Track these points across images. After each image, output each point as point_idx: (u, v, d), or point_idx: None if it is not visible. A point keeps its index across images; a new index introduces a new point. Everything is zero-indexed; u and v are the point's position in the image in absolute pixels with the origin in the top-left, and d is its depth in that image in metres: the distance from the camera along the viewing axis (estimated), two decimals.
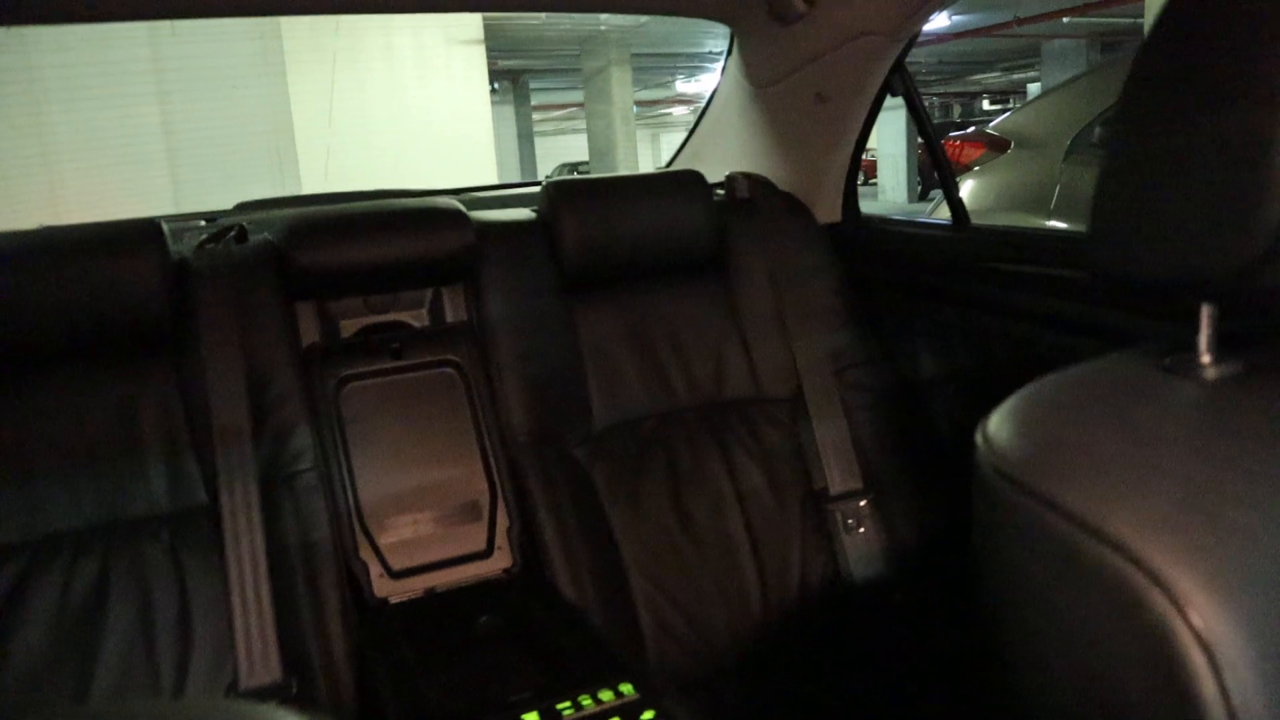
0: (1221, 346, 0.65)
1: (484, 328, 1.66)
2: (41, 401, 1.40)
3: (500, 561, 1.57)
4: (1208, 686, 0.48)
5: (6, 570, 1.31)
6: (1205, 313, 0.65)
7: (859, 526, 1.71)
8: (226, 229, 1.64)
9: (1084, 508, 0.54)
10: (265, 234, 1.66)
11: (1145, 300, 0.68)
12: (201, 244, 1.59)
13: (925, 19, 1.59)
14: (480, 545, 1.57)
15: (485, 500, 1.59)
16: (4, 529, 1.33)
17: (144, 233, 1.44)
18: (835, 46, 1.72)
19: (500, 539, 1.58)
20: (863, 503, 1.72)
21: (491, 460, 1.61)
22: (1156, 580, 0.50)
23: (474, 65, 7.96)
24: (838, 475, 1.73)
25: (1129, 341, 1.33)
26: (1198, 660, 0.48)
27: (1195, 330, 0.66)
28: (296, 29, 5.61)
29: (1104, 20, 12.95)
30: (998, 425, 0.65)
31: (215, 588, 1.38)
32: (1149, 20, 5.69)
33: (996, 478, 0.61)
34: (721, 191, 1.92)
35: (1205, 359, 0.65)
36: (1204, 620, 0.48)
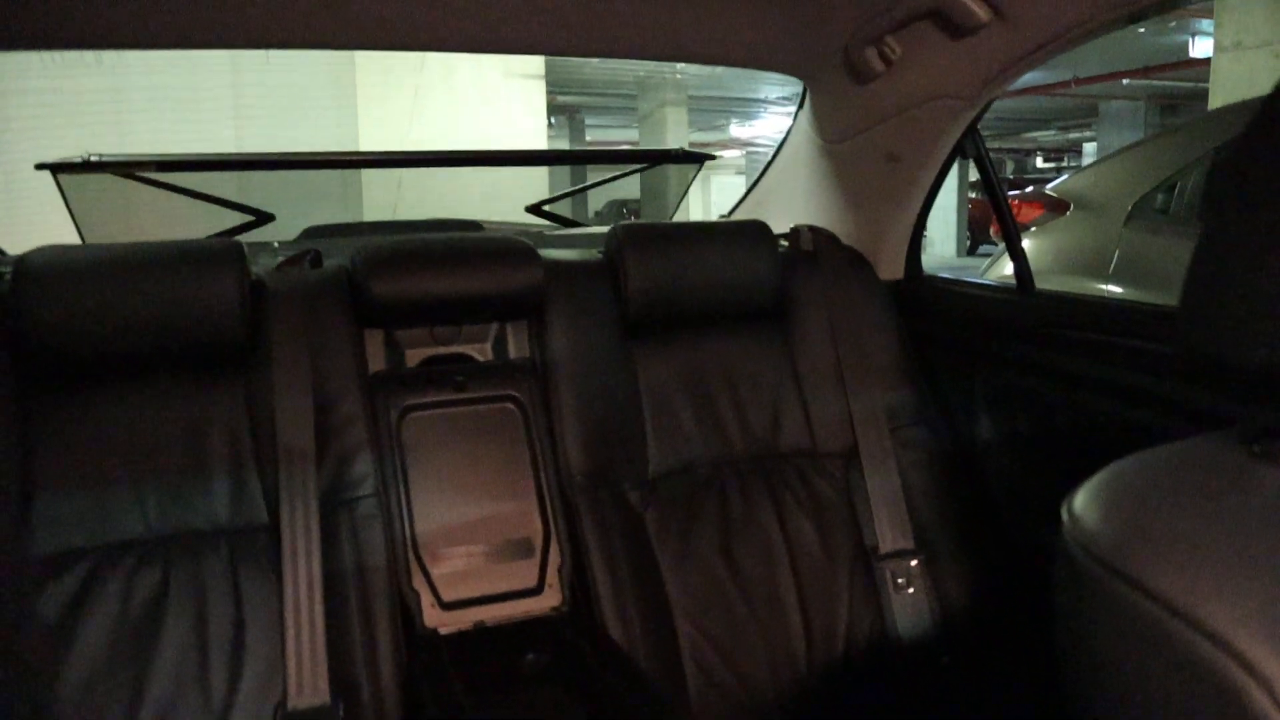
0: None
1: (546, 365, 1.69)
2: (116, 410, 1.44)
3: (550, 599, 1.58)
4: None
5: (73, 573, 1.34)
6: None
7: (908, 586, 1.70)
8: (303, 253, 1.68)
9: (1177, 594, 0.54)
10: (339, 260, 1.70)
11: (1235, 382, 0.67)
12: (279, 266, 1.64)
13: (1005, 85, 1.60)
14: (531, 582, 1.58)
15: (538, 537, 1.60)
16: (73, 532, 1.36)
17: (226, 253, 1.48)
18: (910, 107, 1.73)
19: (551, 577, 1.59)
20: (913, 563, 1.71)
21: (546, 498, 1.62)
22: (1254, 674, 0.49)
23: (533, 100, 8.09)
24: (889, 533, 1.72)
25: (1199, 418, 1.32)
26: None
27: None
28: (370, 62, 5.78)
29: (1164, 83, 12.86)
30: (1084, 504, 0.65)
31: (270, 606, 1.40)
32: (1214, 84, 5.64)
33: (1084, 557, 0.61)
34: (785, 243, 1.93)
35: None
36: None
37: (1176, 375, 1.37)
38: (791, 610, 1.66)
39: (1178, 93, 14.08)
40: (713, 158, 2.16)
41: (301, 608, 1.38)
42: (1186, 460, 0.69)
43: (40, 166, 1.89)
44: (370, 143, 6.27)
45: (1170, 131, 4.03)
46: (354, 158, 2.16)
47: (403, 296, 1.61)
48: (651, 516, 1.64)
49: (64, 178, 1.95)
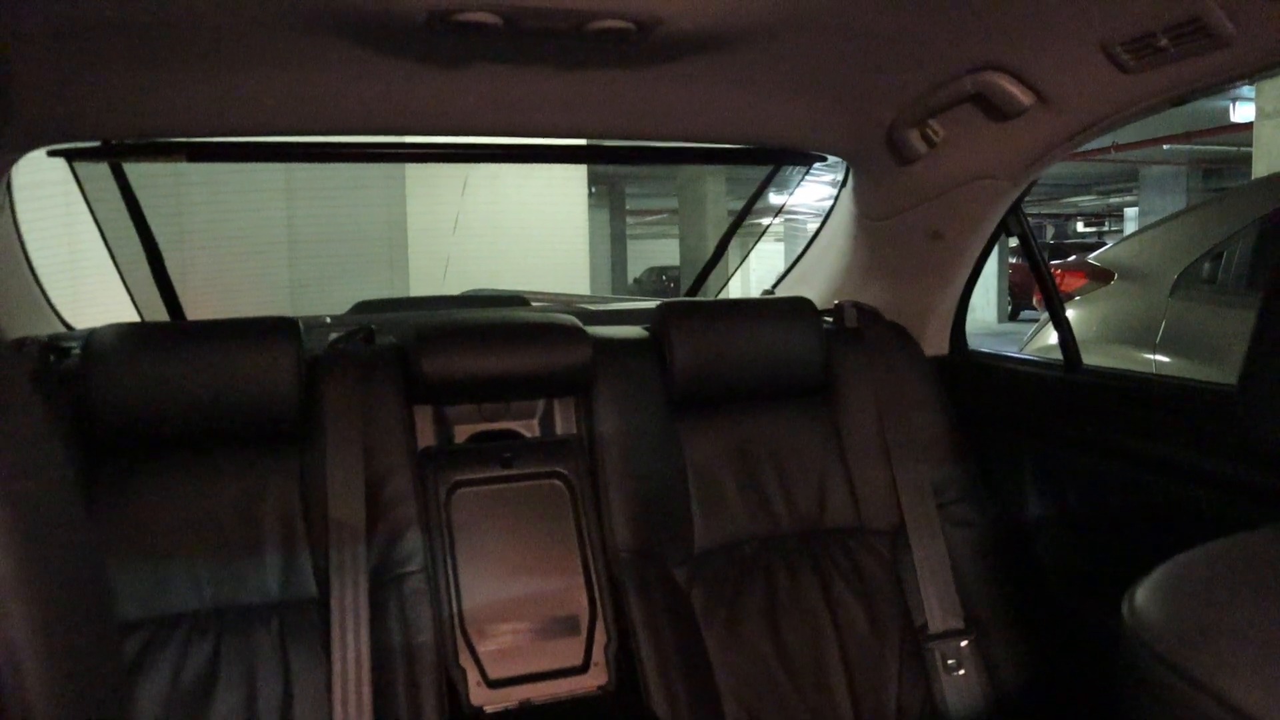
0: None
1: (593, 442, 1.70)
2: (174, 484, 1.48)
3: (596, 678, 1.57)
4: None
5: (128, 645, 1.36)
6: None
7: (959, 668, 1.66)
8: (356, 330, 1.72)
9: (1247, 700, 0.54)
10: (391, 337, 1.74)
11: None
12: (333, 343, 1.67)
13: (1047, 166, 1.62)
14: (577, 660, 1.57)
15: (584, 615, 1.60)
16: (128, 605, 1.39)
17: (281, 330, 1.53)
18: (953, 187, 1.75)
19: (597, 655, 1.58)
20: (964, 643, 1.67)
21: (593, 575, 1.62)
22: None
23: (575, 173, 8.24)
24: (938, 612, 1.69)
25: (1255, 496, 1.30)
26: None
27: None
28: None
29: (1205, 148, 12.79)
30: (1146, 601, 0.64)
31: (318, 681, 1.41)
32: (1258, 151, 5.60)
33: (1147, 657, 0.61)
34: (829, 319, 1.94)
35: None
36: None
37: (1229, 454, 1.35)
38: (840, 692, 1.63)
39: (1219, 157, 13.99)
40: (823, 158, 2.07)
41: (349, 683, 1.39)
42: (1250, 555, 0.68)
43: (54, 153, 1.71)
44: (417, 219, 6.43)
45: (1214, 199, 4.01)
46: (403, 150, 2.00)
47: (453, 374, 1.64)
48: (698, 595, 1.63)
49: (80, 165, 1.77)
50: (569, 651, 1.58)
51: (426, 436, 1.70)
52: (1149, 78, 1.31)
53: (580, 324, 1.73)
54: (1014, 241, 1.82)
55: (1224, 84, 1.27)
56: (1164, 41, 1.21)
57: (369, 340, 1.73)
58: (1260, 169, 6.46)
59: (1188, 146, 12.46)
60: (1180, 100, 1.34)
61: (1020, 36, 1.36)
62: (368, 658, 1.41)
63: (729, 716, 1.57)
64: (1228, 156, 13.59)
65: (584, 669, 1.57)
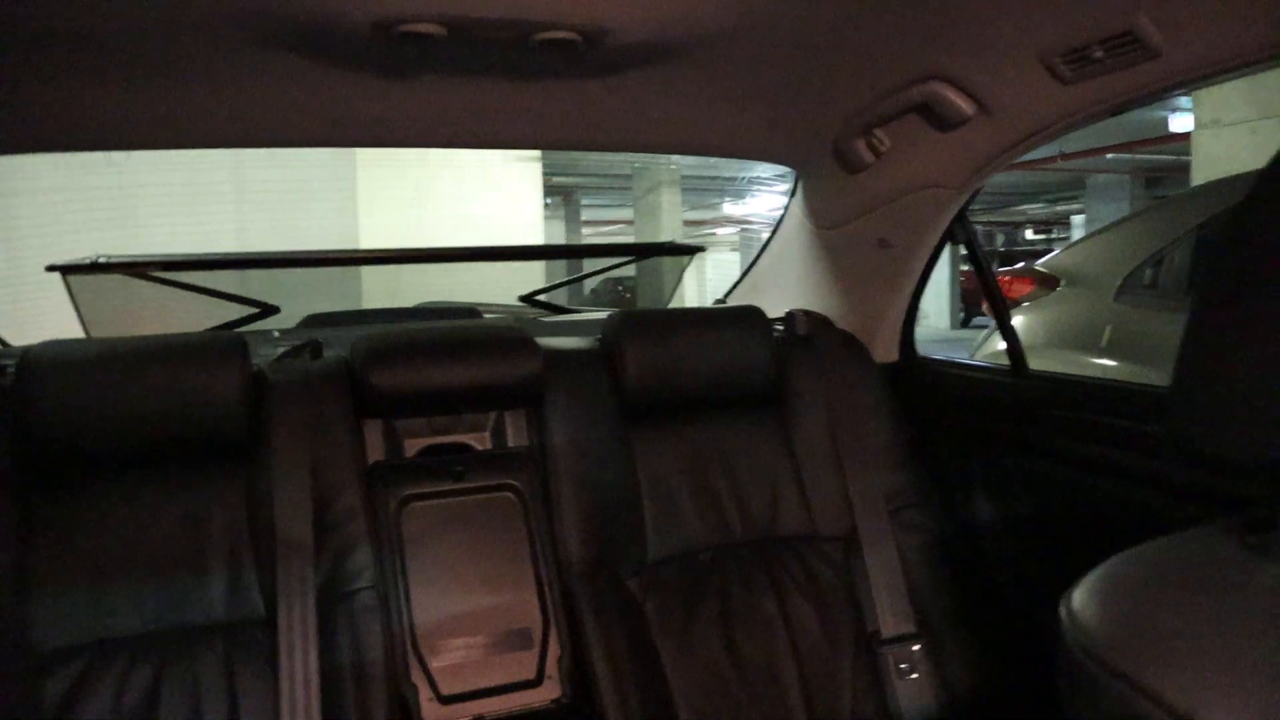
0: None
1: (545, 453, 1.69)
2: (115, 504, 1.44)
3: (549, 692, 1.56)
4: None
5: (63, 673, 1.32)
6: None
7: (912, 672, 1.67)
8: (304, 344, 1.70)
9: (1176, 697, 0.55)
10: (338, 351, 1.72)
11: (1225, 474, 0.68)
12: (279, 358, 1.65)
13: (991, 174, 1.64)
14: (530, 674, 1.56)
15: (537, 628, 1.59)
16: (65, 631, 1.35)
17: (228, 347, 1.49)
18: (900, 196, 1.77)
19: (550, 668, 1.57)
20: (916, 647, 1.69)
21: (545, 587, 1.61)
22: None
23: (531, 182, 8.23)
24: (890, 618, 1.70)
25: (1194, 497, 1.33)
26: None
27: (1277, 507, 0.66)
28: (371, 154, 5.92)
29: (1148, 157, 13.10)
30: (1082, 602, 0.65)
31: (266, 703, 1.38)
32: (1196, 160, 5.73)
33: (1084, 657, 0.62)
34: (780, 327, 1.96)
35: None
36: None
37: (1172, 456, 1.38)
38: (794, 698, 1.64)
39: (1161, 166, 14.34)
40: (702, 249, 2.27)
41: (298, 704, 1.36)
42: (1182, 556, 0.69)
43: (51, 268, 1.95)
44: (370, 228, 6.37)
45: (1155, 207, 4.11)
46: (354, 255, 2.32)
47: (401, 387, 1.62)
48: (652, 605, 1.63)
49: (72, 278, 2.01)
50: (522, 665, 1.56)
51: (376, 451, 1.68)
52: (1086, 88, 1.34)
53: (529, 335, 1.72)
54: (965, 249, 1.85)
55: (1158, 94, 1.30)
56: (1099, 53, 1.23)
57: (317, 354, 1.70)
58: (1199, 177, 6.63)
59: (1130, 156, 12.75)
60: (1118, 110, 1.37)
61: (963, 47, 1.39)
62: (316, 678, 1.38)
63: None
64: (1169, 165, 13.94)
65: (537, 682, 1.56)
